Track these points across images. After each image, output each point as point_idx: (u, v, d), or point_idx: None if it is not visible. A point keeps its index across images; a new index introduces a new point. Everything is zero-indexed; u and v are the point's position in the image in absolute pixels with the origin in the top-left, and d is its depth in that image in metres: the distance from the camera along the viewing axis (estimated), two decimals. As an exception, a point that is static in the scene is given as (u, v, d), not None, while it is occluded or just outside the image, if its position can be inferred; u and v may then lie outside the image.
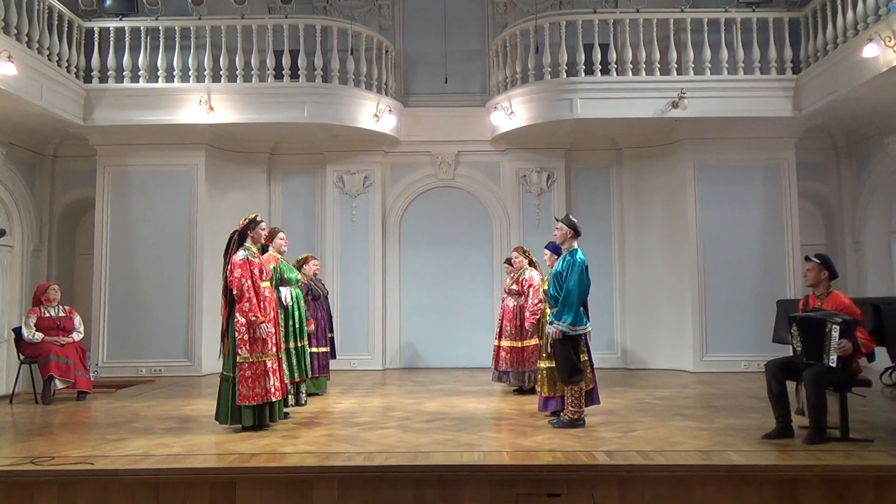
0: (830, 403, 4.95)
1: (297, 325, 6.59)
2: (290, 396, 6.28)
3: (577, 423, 5.64)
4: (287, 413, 6.12)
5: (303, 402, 6.82)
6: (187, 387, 8.74)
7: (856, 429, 5.16)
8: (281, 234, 6.65)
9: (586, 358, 5.91)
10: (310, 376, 6.89)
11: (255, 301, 5.55)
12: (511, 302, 7.86)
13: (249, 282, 5.56)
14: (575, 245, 5.79)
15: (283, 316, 6.31)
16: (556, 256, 6.06)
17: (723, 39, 9.66)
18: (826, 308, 5.09)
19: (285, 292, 6.48)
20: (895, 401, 6.94)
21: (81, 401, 7.58)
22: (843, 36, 8.63)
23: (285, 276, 6.46)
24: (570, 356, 5.64)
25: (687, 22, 9.86)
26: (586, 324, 5.73)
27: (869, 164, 10.27)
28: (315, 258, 8.29)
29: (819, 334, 4.92)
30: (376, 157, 10.93)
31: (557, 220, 5.94)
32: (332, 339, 8.44)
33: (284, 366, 5.99)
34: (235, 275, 5.57)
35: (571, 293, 5.57)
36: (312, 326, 7.42)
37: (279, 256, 6.52)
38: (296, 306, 6.62)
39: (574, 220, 5.89)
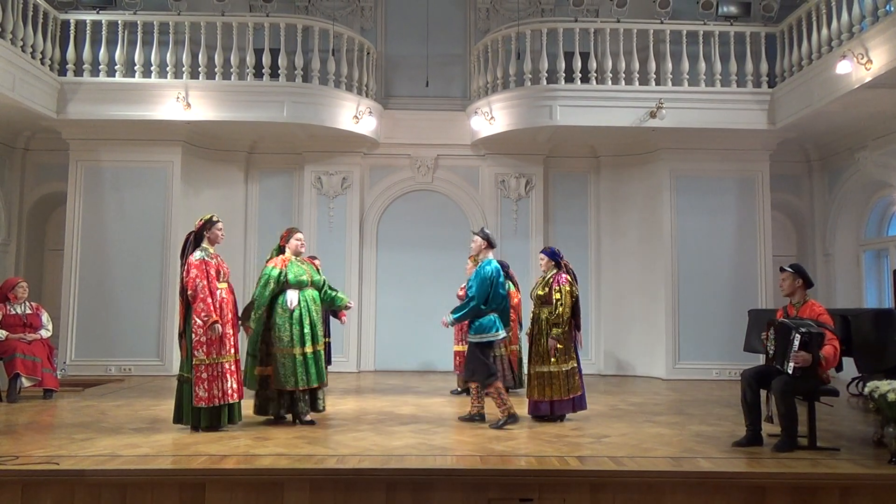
0: (799, 413, 5.03)
1: (309, 330, 6.01)
2: (302, 404, 5.93)
3: (510, 419, 5.86)
4: (312, 421, 5.93)
5: (320, 408, 6.23)
6: (157, 386, 8.60)
7: (823, 437, 5.25)
8: (298, 235, 6.22)
9: (575, 365, 6.19)
10: (326, 383, 6.41)
11: (209, 301, 5.51)
12: None
13: (204, 282, 5.53)
14: (490, 255, 6.18)
15: (288, 321, 5.93)
16: (552, 262, 6.34)
17: (701, 51, 9.81)
18: (802, 316, 5.17)
19: (292, 295, 6.01)
20: (861, 410, 7.06)
21: (48, 399, 7.41)
22: (818, 52, 8.81)
23: (300, 278, 6.04)
24: (481, 359, 5.96)
25: (666, 33, 9.97)
26: (499, 332, 6.02)
27: (840, 177, 10.48)
28: (316, 258, 8.18)
29: (786, 340, 5.01)
30: (355, 158, 10.89)
31: (474, 234, 6.35)
32: (328, 343, 8.27)
33: (308, 368, 5.91)
34: (191, 275, 5.53)
35: (472, 299, 5.98)
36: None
37: (292, 258, 6.12)
38: (305, 310, 6.02)
39: (489, 232, 6.38)
